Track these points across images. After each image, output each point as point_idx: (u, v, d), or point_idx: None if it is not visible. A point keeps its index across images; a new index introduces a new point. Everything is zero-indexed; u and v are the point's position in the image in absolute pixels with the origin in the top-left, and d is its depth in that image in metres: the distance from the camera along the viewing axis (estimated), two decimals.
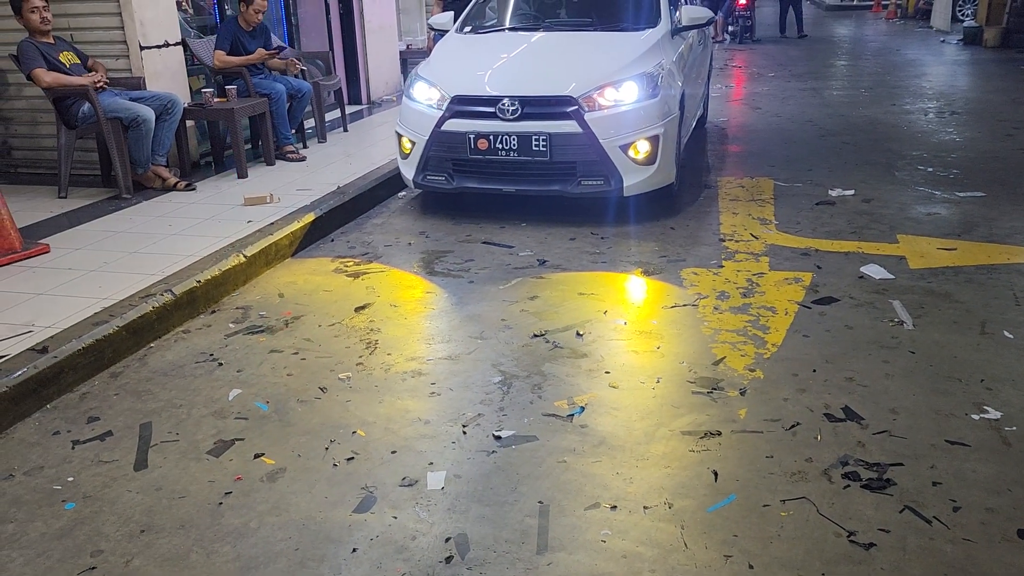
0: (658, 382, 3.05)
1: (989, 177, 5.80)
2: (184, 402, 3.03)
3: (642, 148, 4.94)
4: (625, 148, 4.89)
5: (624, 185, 4.93)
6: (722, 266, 4.24)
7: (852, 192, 5.52)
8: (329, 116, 7.77)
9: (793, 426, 2.73)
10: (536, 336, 3.47)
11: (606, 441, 2.68)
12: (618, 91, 4.91)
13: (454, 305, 3.87)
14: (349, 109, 8.61)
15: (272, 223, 4.72)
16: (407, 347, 3.42)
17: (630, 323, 3.58)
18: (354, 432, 2.78)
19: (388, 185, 5.82)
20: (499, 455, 2.62)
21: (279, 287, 4.17)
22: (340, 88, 7.50)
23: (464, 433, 2.75)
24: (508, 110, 4.88)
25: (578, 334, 3.48)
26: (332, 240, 4.92)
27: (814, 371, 3.10)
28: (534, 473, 2.52)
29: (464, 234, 4.96)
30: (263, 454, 2.67)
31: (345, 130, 7.51)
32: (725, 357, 3.23)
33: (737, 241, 4.63)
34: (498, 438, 2.71)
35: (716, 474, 2.48)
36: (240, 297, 4.05)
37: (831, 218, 5.01)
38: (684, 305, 3.76)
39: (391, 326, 3.64)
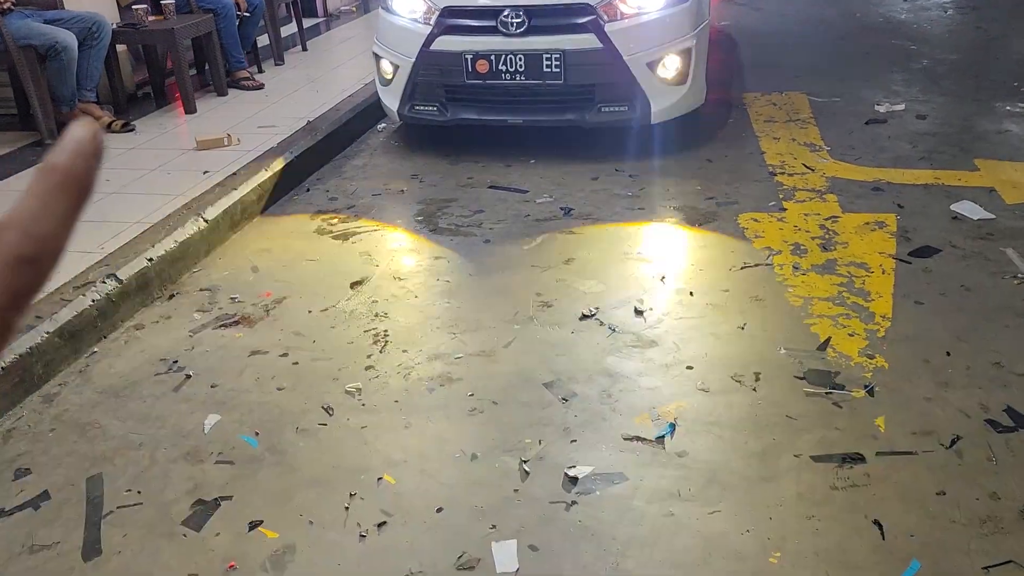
0: (758, 380, 2.40)
1: None
2: (145, 438, 2.29)
3: (672, 65, 4.15)
4: (653, 65, 4.10)
5: (652, 111, 4.16)
6: (784, 209, 3.55)
7: (903, 107, 4.82)
8: (283, 32, 6.75)
9: (954, 442, 2.11)
10: (586, 317, 2.78)
11: (716, 477, 2.03)
12: None
13: (473, 275, 3.14)
14: (305, 23, 7.57)
15: (235, 173, 3.88)
16: (426, 339, 2.70)
17: (698, 293, 2.90)
18: (380, 479, 2.08)
19: (364, 116, 4.95)
20: (581, 508, 1.96)
21: (251, 257, 3.38)
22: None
23: (527, 471, 2.08)
24: (512, 23, 4.03)
25: (637, 311, 2.79)
26: (308, 190, 4.10)
27: (948, 354, 2.47)
28: (636, 537, 1.87)
29: (465, 176, 4.17)
30: (260, 522, 1.97)
31: (304, 49, 6.52)
32: (831, 338, 2.58)
33: (791, 175, 3.93)
34: (573, 480, 2.04)
35: (880, 526, 1.86)
36: (204, 274, 3.26)
37: (889, 140, 4.32)
38: (756, 265, 3.08)
39: (400, 309, 2.91)
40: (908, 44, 6.36)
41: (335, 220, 3.71)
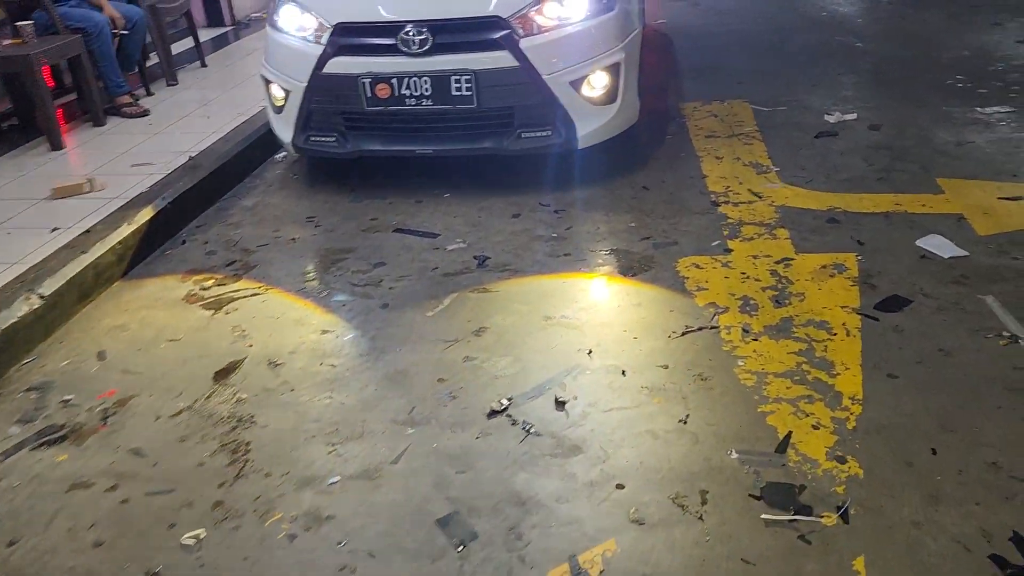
0: (705, 503, 1.92)
1: (1003, 84, 4.77)
2: None
3: (599, 83, 3.66)
4: (577, 84, 3.59)
5: (578, 134, 3.66)
6: (730, 251, 3.09)
7: (854, 116, 4.41)
8: (180, 47, 6.11)
9: None
10: (496, 413, 2.27)
11: None
12: (562, 4, 3.57)
13: (365, 356, 2.60)
14: (209, 34, 6.93)
15: (88, 231, 3.28)
16: (296, 455, 2.17)
17: (632, 371, 2.41)
18: None
19: (260, 145, 4.37)
20: None
21: (101, 339, 2.80)
22: (189, 9, 5.82)
23: None
24: (414, 40, 3.50)
25: (558, 402, 2.29)
26: (184, 243, 3.51)
27: (934, 452, 2.02)
28: None
29: (368, 217, 3.63)
30: None
31: (203, 65, 5.89)
32: (791, 433, 2.11)
33: (736, 205, 3.47)
34: None
35: None
36: (37, 365, 2.67)
37: (842, 157, 3.89)
38: (700, 329, 2.60)
39: (271, 409, 2.36)
40: (853, 41, 5.98)
41: (210, 282, 3.14)
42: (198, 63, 5.88)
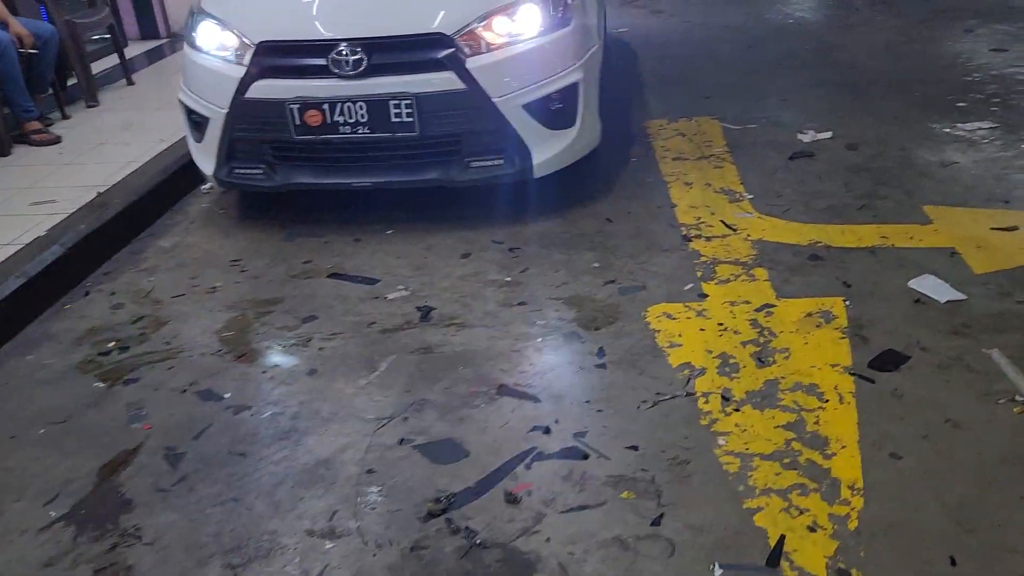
0: None
1: (982, 97, 4.52)
2: None
3: (555, 105, 3.31)
4: (531, 107, 3.24)
5: (534, 162, 3.31)
6: (704, 296, 2.75)
7: (829, 134, 4.11)
8: (104, 64, 5.65)
9: None
10: (433, 516, 1.90)
11: None
12: (513, 20, 3.22)
13: (283, 441, 2.21)
14: (143, 47, 6.48)
15: None
16: None
17: (596, 455, 2.06)
18: None
19: (187, 174, 3.95)
20: None
21: None
22: (113, 23, 5.37)
23: None
24: (348, 61, 3.12)
25: (509, 498, 1.93)
26: (87, 294, 3.09)
27: (953, 564, 1.69)
28: None
29: (300, 260, 3.24)
30: None
31: (129, 83, 5.44)
32: (784, 538, 1.77)
33: (709, 239, 3.15)
34: None
35: None
36: None
37: (821, 181, 3.59)
38: (674, 397, 2.26)
39: (163, 517, 1.96)
40: (823, 49, 5.72)
41: (111, 344, 2.73)
42: (124, 81, 5.43)
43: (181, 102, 3.54)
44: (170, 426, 2.29)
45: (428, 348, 2.57)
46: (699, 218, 3.32)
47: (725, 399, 2.23)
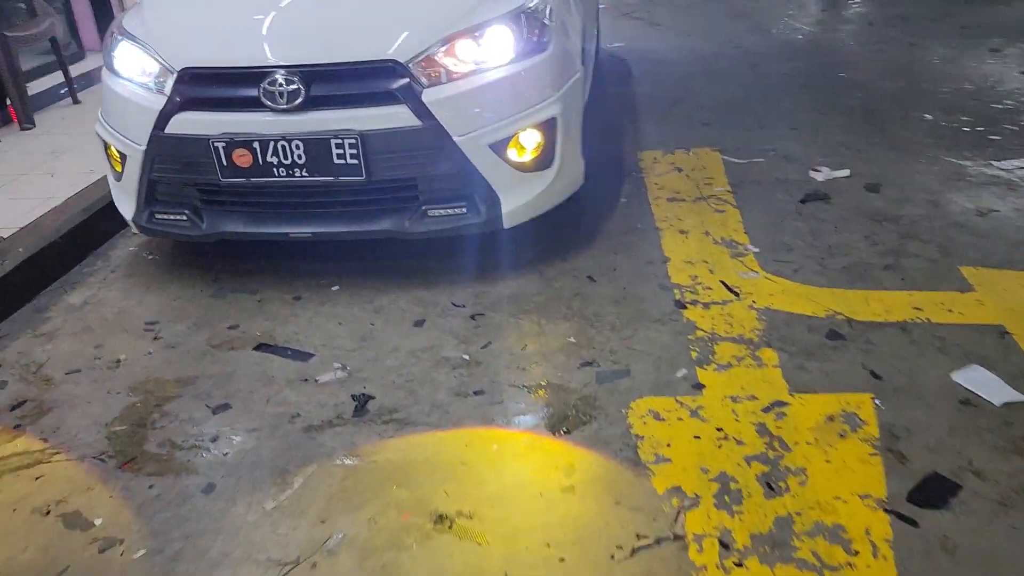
0: None
1: (1018, 129, 4.03)
2: None
3: (529, 144, 2.83)
4: (500, 147, 2.75)
5: (503, 211, 2.82)
6: (700, 387, 2.26)
7: (846, 172, 3.62)
8: (47, 83, 5.16)
9: None
10: None
11: None
12: (479, 44, 2.73)
13: None
14: (97, 63, 5.99)
15: None
16: None
17: None
18: None
19: (113, 211, 3.45)
20: None
21: None
22: (56, 35, 4.88)
23: None
24: (283, 92, 2.63)
25: None
26: None
27: None
28: None
29: (227, 323, 2.75)
30: None
31: (75, 101, 4.96)
32: None
33: (706, 306, 2.65)
34: None
35: None
36: None
37: (838, 232, 3.10)
38: (659, 542, 1.76)
39: None
40: (836, 69, 5.23)
41: None
42: (69, 100, 4.95)
43: (98, 134, 3.05)
44: (16, 568, 1.80)
45: (357, 454, 2.08)
46: (695, 277, 2.83)
47: (724, 546, 1.73)
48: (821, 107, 4.53)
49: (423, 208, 2.79)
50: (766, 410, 2.15)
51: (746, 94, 4.86)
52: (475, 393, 2.30)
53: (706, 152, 3.98)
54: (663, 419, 2.14)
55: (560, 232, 3.17)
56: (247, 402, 2.33)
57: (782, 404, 2.17)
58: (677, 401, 2.20)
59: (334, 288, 2.92)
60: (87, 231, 3.33)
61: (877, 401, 2.15)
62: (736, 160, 3.86)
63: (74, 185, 3.62)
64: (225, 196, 2.86)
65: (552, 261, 3.00)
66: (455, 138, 2.68)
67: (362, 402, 2.29)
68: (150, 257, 3.27)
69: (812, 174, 3.63)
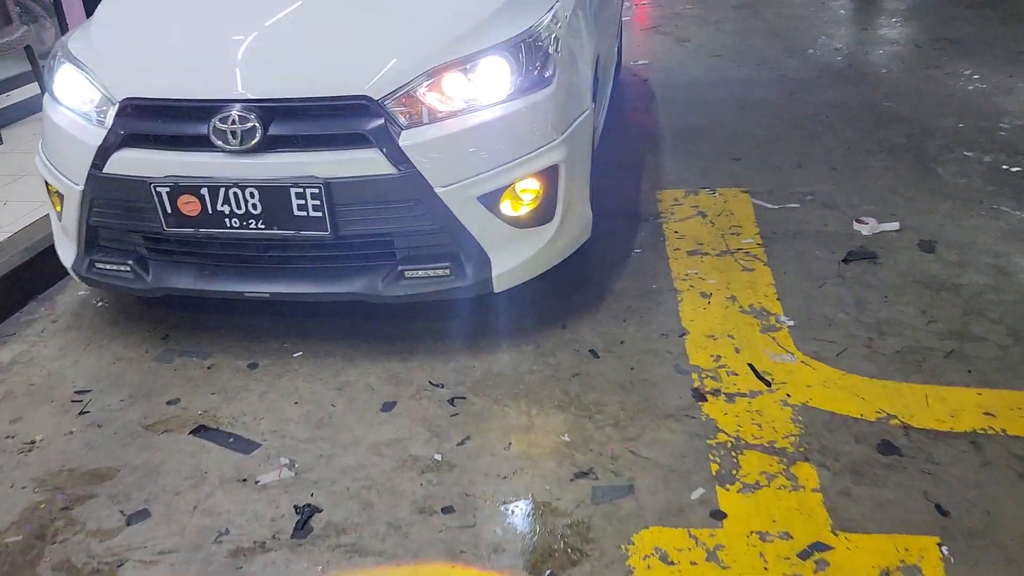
0: None
1: None
2: None
3: (526, 194, 2.42)
4: (491, 200, 2.34)
5: (493, 273, 2.40)
6: (721, 516, 1.82)
7: (896, 225, 3.16)
8: (22, 95, 4.83)
9: None
10: None
11: None
12: (469, 78, 2.32)
13: None
14: None
15: None
16: None
17: None
18: None
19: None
20: None
21: None
22: (30, 44, 4.54)
23: None
24: (236, 131, 2.23)
25: None
26: None
27: None
28: None
29: (169, 394, 2.36)
30: None
31: None
32: None
33: (730, 398, 2.22)
34: None
35: None
36: None
37: (887, 302, 2.65)
38: None
39: None
40: (880, 99, 4.76)
41: None
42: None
43: (38, 168, 2.68)
44: None
45: None
46: (718, 358, 2.39)
47: None
48: (865, 144, 4.07)
49: (399, 269, 2.38)
50: (803, 555, 1.71)
51: (781, 125, 4.41)
52: (443, 511, 1.88)
53: (734, 194, 3.54)
54: (673, 563, 1.71)
55: (562, 290, 2.75)
56: (170, 508, 1.93)
57: (823, 548, 1.73)
58: (691, 536, 1.77)
59: (296, 355, 2.52)
60: (31, 273, 2.96)
61: (944, 549, 1.71)
62: (768, 205, 3.41)
63: (28, 215, 3.26)
64: (173, 247, 2.47)
65: (551, 328, 2.58)
66: (437, 189, 2.27)
67: (306, 517, 1.88)
68: (99, 304, 2.89)
69: (856, 226, 3.17)
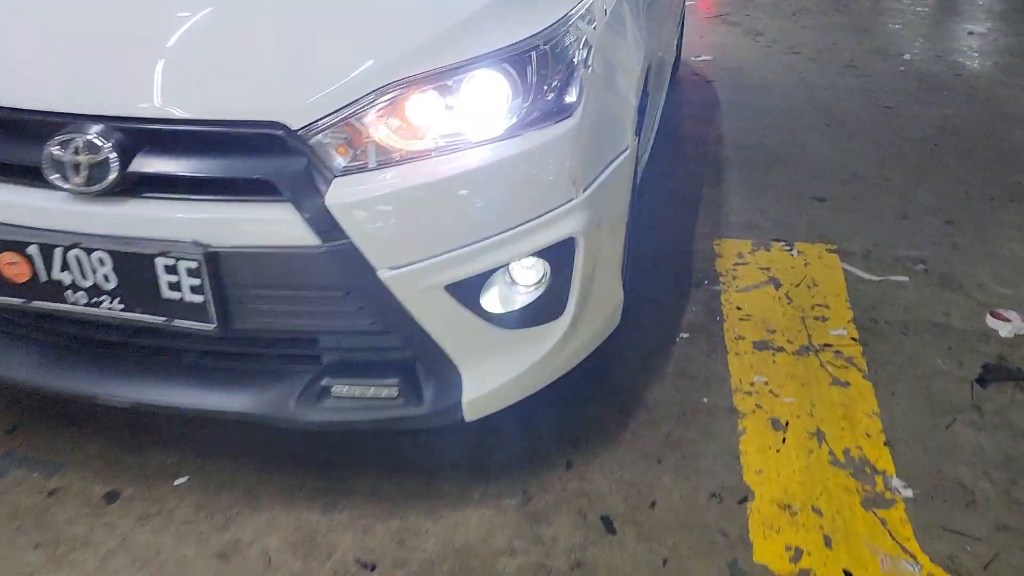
0: None
1: None
2: None
3: (524, 279, 1.60)
4: (467, 291, 1.52)
5: (464, 397, 1.59)
6: None
7: None
8: None
9: None
10: None
11: None
12: (446, 103, 1.48)
13: None
14: None
15: None
16: None
17: None
18: None
19: None
20: None
21: None
22: None
23: None
24: (80, 164, 1.43)
25: None
26: None
27: None
28: None
29: None
30: None
31: None
32: None
33: None
34: None
35: None
36: None
37: None
38: None
39: None
40: (1003, 126, 3.82)
41: None
42: None
43: None
44: None
45: None
46: (798, 554, 1.56)
47: None
48: (989, 188, 3.15)
49: (323, 383, 1.58)
50: None
51: (876, 153, 3.51)
52: None
53: (818, 253, 2.67)
54: None
55: (569, 397, 1.94)
56: None
57: None
58: None
59: (180, 481, 1.75)
60: None
61: None
62: (865, 275, 2.54)
63: None
64: (2, 324, 1.71)
65: (548, 466, 1.77)
66: (383, 273, 1.46)
67: None
68: None
69: (991, 321, 2.29)
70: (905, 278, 2.53)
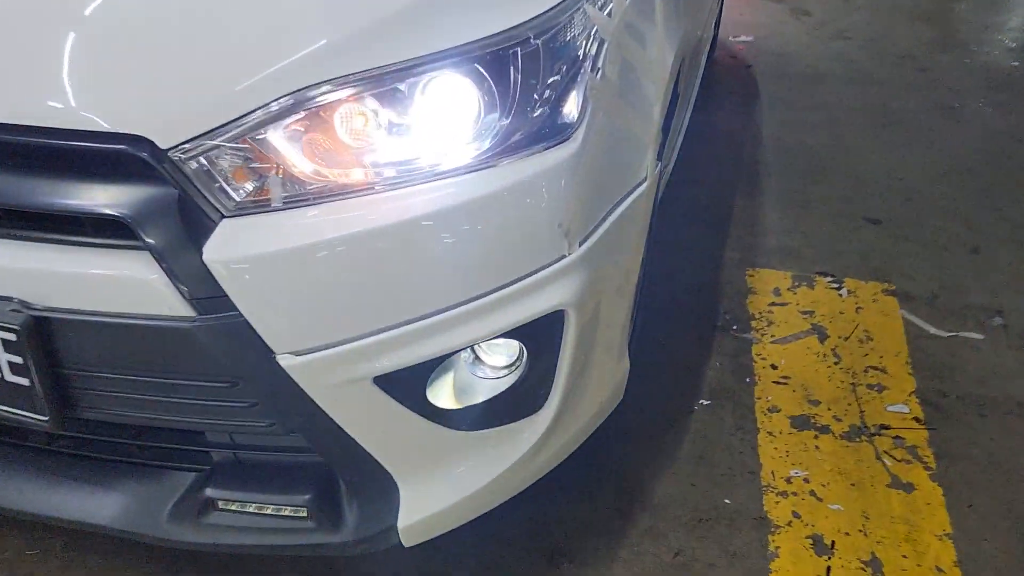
0: None
1: None
2: None
3: (494, 360, 1.16)
4: (410, 385, 1.08)
5: (402, 521, 1.16)
6: None
7: None
8: None
9: None
10: None
11: None
12: (391, 117, 1.03)
13: None
14: None
15: None
16: None
17: None
18: None
19: None
20: None
21: None
22: None
23: None
24: None
25: None
26: None
27: None
28: None
29: None
30: None
31: None
32: None
33: None
34: None
35: None
36: None
37: None
38: None
39: None
40: None
41: None
42: None
43: None
44: None
45: None
46: None
47: None
48: None
49: (206, 495, 1.15)
50: None
51: (939, 165, 3.01)
52: None
53: (872, 294, 2.21)
54: None
55: (546, 489, 1.51)
56: None
57: None
58: None
59: (30, 553, 1.34)
60: None
61: None
62: (930, 329, 2.07)
63: None
64: None
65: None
66: (285, 360, 1.02)
67: None
68: None
69: None
70: (979, 336, 2.06)
